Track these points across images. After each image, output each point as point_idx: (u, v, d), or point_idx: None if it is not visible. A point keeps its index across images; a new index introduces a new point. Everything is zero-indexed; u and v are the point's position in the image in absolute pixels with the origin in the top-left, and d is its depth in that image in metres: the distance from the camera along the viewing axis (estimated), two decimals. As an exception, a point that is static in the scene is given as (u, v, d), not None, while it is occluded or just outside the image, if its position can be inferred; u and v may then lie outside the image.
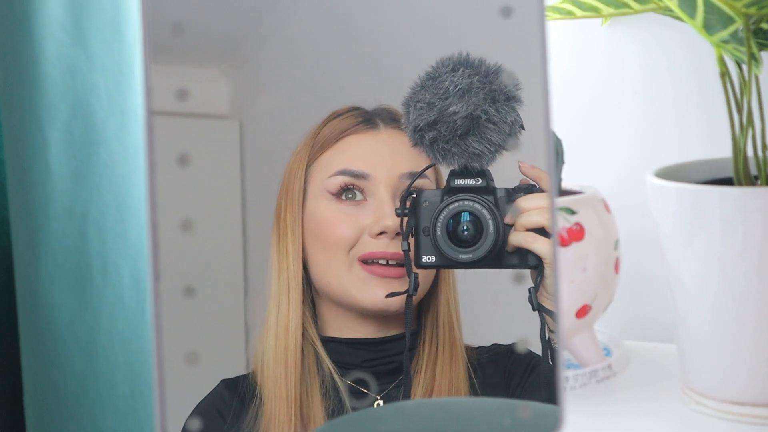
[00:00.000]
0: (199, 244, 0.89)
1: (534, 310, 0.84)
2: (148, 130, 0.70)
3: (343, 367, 0.91)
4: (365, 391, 0.91)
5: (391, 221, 0.88)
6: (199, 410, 0.92)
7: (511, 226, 0.85)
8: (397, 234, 0.88)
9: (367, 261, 0.90)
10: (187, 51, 0.91)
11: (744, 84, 1.07)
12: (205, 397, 0.92)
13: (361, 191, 0.90)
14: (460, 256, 0.85)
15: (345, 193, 0.90)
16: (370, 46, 0.94)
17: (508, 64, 0.84)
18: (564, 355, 1.21)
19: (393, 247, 0.89)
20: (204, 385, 0.92)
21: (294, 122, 0.93)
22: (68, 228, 1.20)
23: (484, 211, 0.85)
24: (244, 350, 0.93)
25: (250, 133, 0.93)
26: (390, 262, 0.89)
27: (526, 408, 0.77)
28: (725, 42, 1.06)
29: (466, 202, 0.85)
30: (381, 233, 0.89)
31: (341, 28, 0.93)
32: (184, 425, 0.88)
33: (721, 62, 1.07)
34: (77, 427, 1.24)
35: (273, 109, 0.94)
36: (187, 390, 0.90)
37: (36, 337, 1.21)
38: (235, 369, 0.93)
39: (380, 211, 0.89)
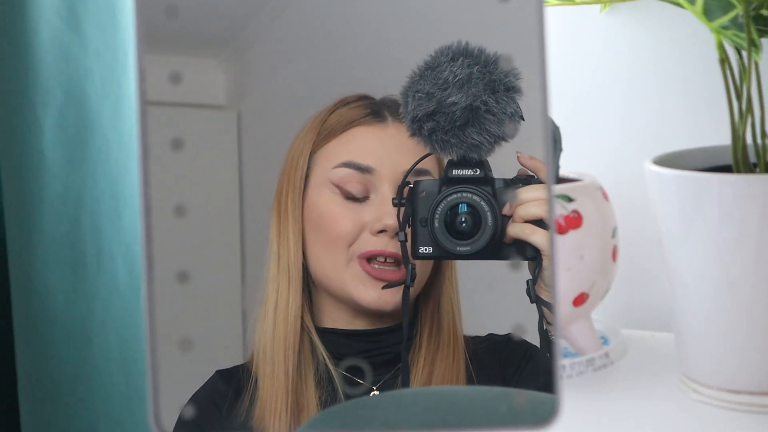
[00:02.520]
0: (194, 230, 0.88)
1: (532, 302, 0.83)
2: (141, 118, 0.69)
3: (338, 357, 0.90)
4: (360, 381, 0.90)
5: (392, 220, 0.88)
6: (194, 400, 0.91)
7: (509, 217, 0.84)
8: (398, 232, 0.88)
9: (365, 258, 0.89)
10: (186, 40, 0.90)
11: (744, 71, 1.06)
12: (200, 388, 0.91)
13: (365, 186, 0.89)
14: (458, 248, 0.84)
15: (348, 193, 0.89)
16: (370, 35, 0.93)
17: (505, 50, 0.84)
18: (561, 344, 1.21)
19: (393, 246, 0.88)
20: (199, 372, 0.91)
21: (292, 112, 0.93)
22: (62, 214, 1.20)
23: (482, 203, 0.84)
24: (239, 336, 0.92)
25: (248, 123, 0.92)
26: (388, 260, 0.89)
27: (523, 396, 0.76)
28: (725, 28, 1.05)
29: (464, 194, 0.84)
30: (381, 231, 0.89)
31: (340, 17, 0.93)
32: (179, 414, 0.87)
33: (721, 49, 1.07)
34: (71, 414, 1.24)
35: (271, 99, 0.93)
36: (182, 377, 0.89)
37: (30, 325, 1.20)
38: (230, 355, 0.92)
39: (382, 208, 0.89)
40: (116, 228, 1.21)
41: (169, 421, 0.81)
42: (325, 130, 0.91)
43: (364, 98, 0.92)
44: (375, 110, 0.91)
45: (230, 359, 0.92)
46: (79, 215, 1.20)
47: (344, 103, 0.91)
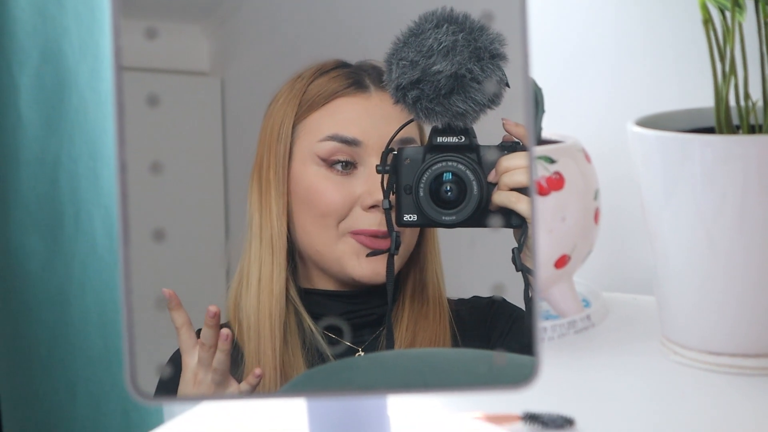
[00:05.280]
0: (172, 188, 0.88)
1: (517, 270, 0.83)
2: (117, 79, 0.68)
3: (322, 318, 0.90)
4: (347, 342, 0.90)
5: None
6: (173, 361, 0.90)
7: (495, 185, 0.84)
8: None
9: (359, 234, 0.88)
10: (169, 6, 0.89)
11: (727, 31, 1.05)
12: (179, 349, 0.90)
13: (352, 158, 0.88)
14: (443, 217, 0.84)
15: (336, 164, 0.88)
16: (354, 1, 0.92)
17: (487, 11, 0.82)
18: (542, 306, 1.21)
19: (384, 224, 0.88)
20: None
21: (276, 80, 0.91)
22: (39, 175, 1.19)
23: (467, 171, 0.83)
24: (218, 297, 0.91)
25: (231, 89, 0.91)
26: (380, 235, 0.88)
27: (503, 357, 0.76)
28: (709, -11, 1.04)
29: (449, 163, 0.83)
30: (373, 206, 0.88)
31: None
32: (157, 375, 0.86)
33: (704, 9, 1.06)
34: (49, 376, 1.24)
35: (255, 65, 0.92)
36: (160, 338, 0.88)
37: (6, 287, 1.19)
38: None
39: (372, 181, 0.88)
40: (94, 188, 1.20)
41: (147, 382, 0.81)
42: (307, 102, 0.90)
43: (341, 66, 0.91)
44: (357, 80, 0.90)
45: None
46: (56, 176, 1.19)
47: (322, 72, 0.90)
